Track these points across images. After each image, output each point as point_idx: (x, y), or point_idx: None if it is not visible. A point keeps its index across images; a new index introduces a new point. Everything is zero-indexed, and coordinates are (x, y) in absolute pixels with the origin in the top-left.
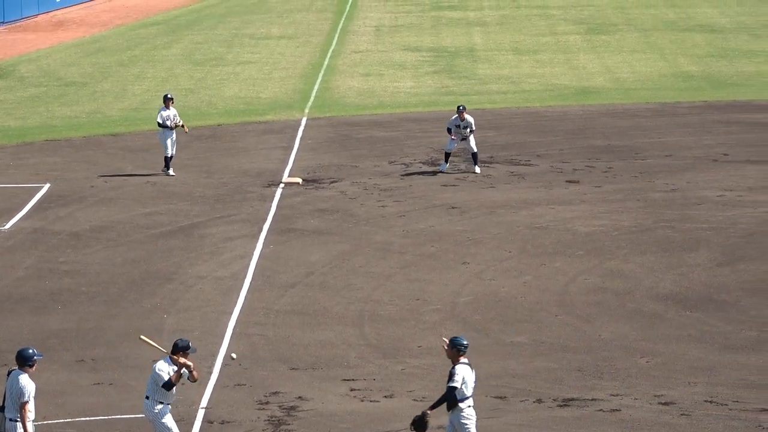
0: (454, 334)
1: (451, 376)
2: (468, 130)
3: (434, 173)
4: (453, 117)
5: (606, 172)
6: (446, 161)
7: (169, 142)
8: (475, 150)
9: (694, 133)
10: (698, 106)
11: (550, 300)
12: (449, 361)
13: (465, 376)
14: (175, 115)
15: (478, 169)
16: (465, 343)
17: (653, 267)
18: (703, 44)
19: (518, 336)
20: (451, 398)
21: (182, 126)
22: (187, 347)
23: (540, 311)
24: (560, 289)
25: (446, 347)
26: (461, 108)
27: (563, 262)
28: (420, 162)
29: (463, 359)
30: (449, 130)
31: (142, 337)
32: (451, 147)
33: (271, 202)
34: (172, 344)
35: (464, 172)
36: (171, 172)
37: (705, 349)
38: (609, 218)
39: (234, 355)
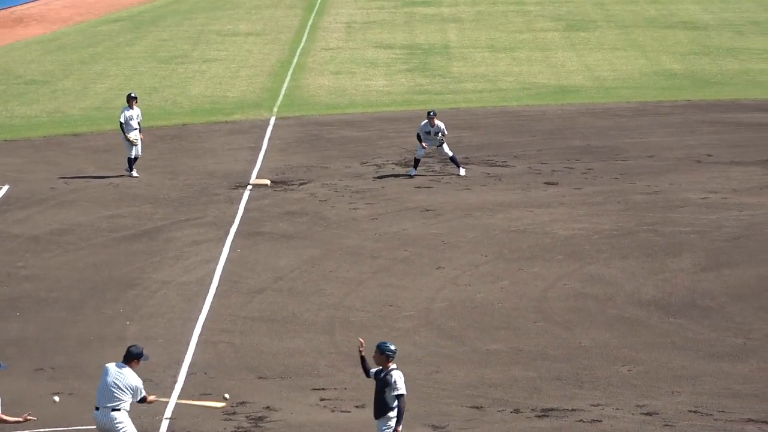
0: (428, 341)
1: (393, 383)
2: (440, 135)
3: (407, 175)
4: (423, 123)
5: (585, 173)
6: (415, 167)
7: (132, 142)
8: (451, 154)
9: (676, 134)
10: (681, 105)
11: (528, 306)
12: (427, 371)
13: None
14: (138, 115)
15: (462, 171)
16: (393, 348)
17: (635, 272)
18: (686, 41)
19: (495, 343)
20: (404, 406)
21: (138, 131)
22: (141, 355)
23: (518, 318)
24: (539, 295)
25: (361, 348)
26: (431, 114)
27: (542, 267)
28: (393, 163)
29: (392, 365)
30: (419, 137)
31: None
32: (420, 153)
33: (239, 204)
34: (125, 351)
35: (438, 173)
36: (135, 173)
37: (689, 357)
38: (589, 221)
39: (227, 396)
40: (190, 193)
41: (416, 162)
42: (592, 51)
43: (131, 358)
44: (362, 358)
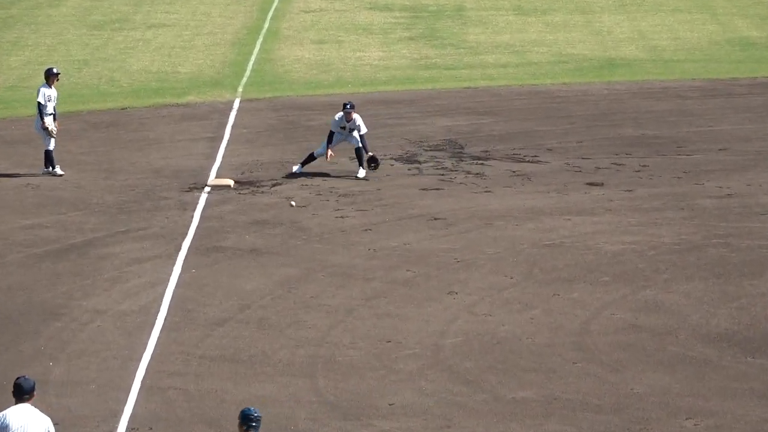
0: (438, 387)
1: None
2: (355, 132)
3: (412, 173)
4: (338, 116)
5: (639, 171)
6: (304, 164)
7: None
8: (360, 145)
9: (756, 120)
10: (762, 83)
11: (566, 342)
12: (437, 425)
13: None
14: (55, 98)
15: (362, 173)
16: (256, 415)
17: (703, 298)
18: None
19: (523, 390)
20: None
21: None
22: (32, 389)
23: (552, 356)
24: (579, 328)
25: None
26: (349, 106)
27: (583, 292)
28: (392, 158)
29: None
30: (331, 134)
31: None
32: (321, 151)
33: (193, 211)
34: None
35: (451, 171)
36: (58, 170)
37: None
38: (644, 233)
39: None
40: (131, 197)
41: (310, 158)
42: (647, 14)
43: (25, 393)
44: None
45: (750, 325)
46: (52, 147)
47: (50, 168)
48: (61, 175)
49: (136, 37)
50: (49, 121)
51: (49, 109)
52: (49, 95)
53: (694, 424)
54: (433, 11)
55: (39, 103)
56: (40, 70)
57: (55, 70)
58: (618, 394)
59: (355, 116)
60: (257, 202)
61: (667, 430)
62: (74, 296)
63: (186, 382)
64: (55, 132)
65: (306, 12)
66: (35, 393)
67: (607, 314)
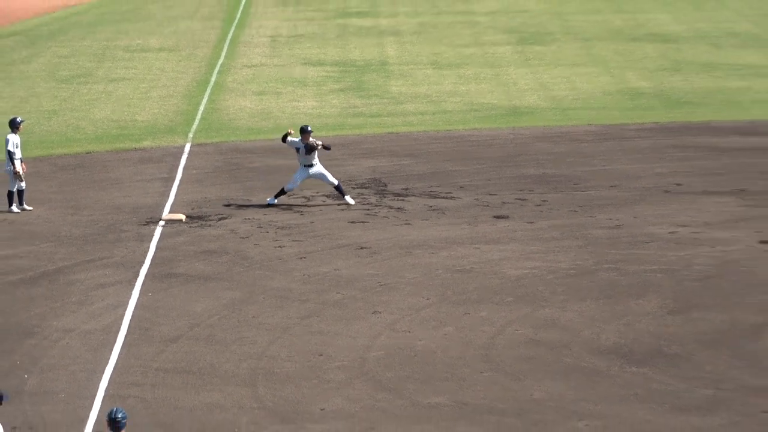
0: (363, 394)
1: None
2: (321, 170)
3: (341, 208)
4: (296, 139)
5: (540, 205)
6: (276, 197)
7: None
8: (336, 184)
9: (643, 160)
10: (648, 128)
11: (475, 355)
12: (362, 428)
13: None
14: (20, 143)
15: (350, 200)
16: (120, 416)
17: (594, 316)
18: (655, 56)
19: (437, 396)
20: None
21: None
22: (2, 397)
23: (463, 367)
24: (486, 342)
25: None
26: (308, 128)
27: (490, 311)
28: (323, 195)
29: None
30: (297, 149)
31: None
32: (291, 186)
33: (150, 242)
34: None
35: (376, 206)
36: (26, 206)
37: (653, 411)
38: (543, 259)
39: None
40: (95, 230)
41: (281, 192)
42: (548, 67)
43: None
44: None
45: (635, 340)
46: (15, 188)
47: (17, 205)
48: (29, 210)
49: (99, 90)
50: (18, 165)
51: (18, 154)
52: (16, 142)
53: (585, 425)
54: (360, 66)
55: (9, 151)
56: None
57: (19, 120)
58: (519, 400)
59: (312, 138)
60: (206, 234)
61: (562, 430)
62: (46, 317)
63: (144, 391)
64: (23, 174)
65: (248, 67)
66: (2, 402)
67: (510, 330)
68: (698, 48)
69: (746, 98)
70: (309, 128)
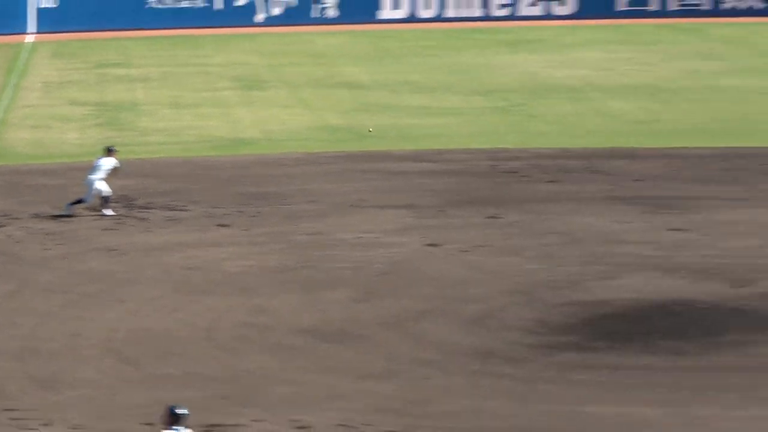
0: (110, 367)
1: None
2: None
3: (96, 218)
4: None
5: (254, 216)
6: (72, 204)
7: None
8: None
9: (335, 181)
10: (340, 156)
11: (200, 335)
12: (109, 393)
13: None
14: None
15: (109, 212)
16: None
17: (295, 304)
18: (348, 99)
19: (169, 368)
20: None
21: None
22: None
23: (190, 344)
24: (209, 325)
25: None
26: (112, 149)
27: (213, 300)
28: (84, 208)
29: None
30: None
31: None
32: (87, 199)
33: None
34: None
35: (125, 216)
36: None
37: (340, 378)
38: (256, 259)
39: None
40: None
41: (78, 201)
42: (264, 107)
43: None
44: None
45: (327, 322)
46: None
47: None
48: None
49: None
50: None
51: None
52: None
53: (287, 390)
54: (115, 105)
55: None
56: None
57: None
58: (235, 370)
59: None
60: None
61: (267, 394)
62: None
63: None
64: None
65: (27, 106)
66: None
67: (229, 315)
68: (380, 93)
69: (417, 133)
70: (112, 148)
